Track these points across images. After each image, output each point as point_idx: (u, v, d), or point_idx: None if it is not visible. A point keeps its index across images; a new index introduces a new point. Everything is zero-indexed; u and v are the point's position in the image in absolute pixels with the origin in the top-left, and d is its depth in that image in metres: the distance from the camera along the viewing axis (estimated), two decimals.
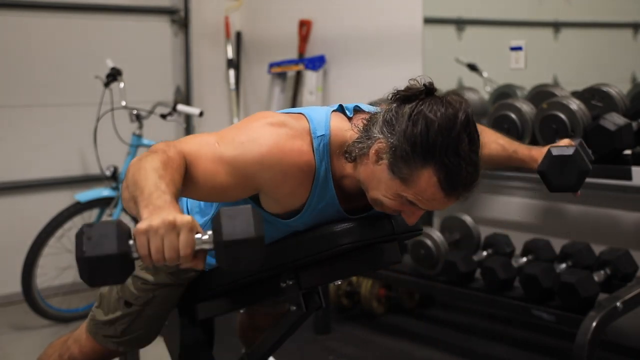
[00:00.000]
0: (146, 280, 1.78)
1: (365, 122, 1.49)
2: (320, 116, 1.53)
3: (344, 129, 1.52)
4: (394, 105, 1.43)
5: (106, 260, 1.11)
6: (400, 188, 1.42)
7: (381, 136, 1.42)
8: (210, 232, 1.17)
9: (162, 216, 1.15)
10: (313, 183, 1.50)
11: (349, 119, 1.57)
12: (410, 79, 1.45)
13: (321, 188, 1.51)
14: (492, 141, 1.87)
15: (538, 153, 1.86)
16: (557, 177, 1.76)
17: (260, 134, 1.45)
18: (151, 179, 1.26)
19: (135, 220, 1.25)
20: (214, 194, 1.47)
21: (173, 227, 1.14)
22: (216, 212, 1.22)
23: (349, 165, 1.51)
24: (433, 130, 1.34)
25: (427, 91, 1.42)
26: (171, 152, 1.37)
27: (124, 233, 1.14)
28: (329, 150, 1.50)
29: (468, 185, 1.39)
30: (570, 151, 1.76)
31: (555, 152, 1.77)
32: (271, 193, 1.50)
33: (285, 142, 1.45)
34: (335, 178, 1.52)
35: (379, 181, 1.45)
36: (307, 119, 1.52)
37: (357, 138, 1.48)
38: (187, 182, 1.40)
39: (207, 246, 1.17)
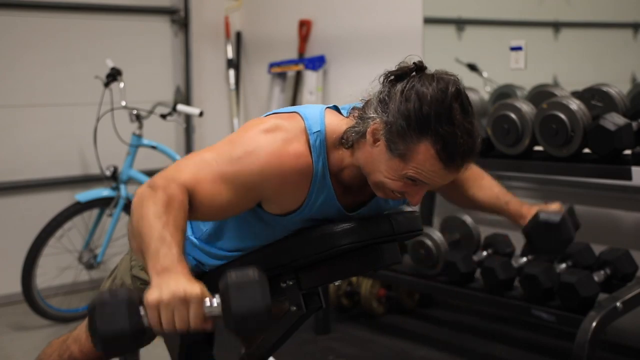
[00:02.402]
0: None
1: (360, 110, 1.52)
2: (315, 113, 1.54)
3: (339, 123, 1.54)
4: (387, 85, 1.46)
5: (120, 335, 1.17)
6: (400, 166, 1.43)
7: (376, 115, 1.45)
8: (218, 301, 1.22)
9: (171, 288, 1.21)
10: (311, 181, 1.51)
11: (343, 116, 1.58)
12: (401, 62, 1.48)
13: (319, 184, 1.52)
14: (488, 187, 1.90)
15: (528, 211, 1.89)
16: (540, 241, 1.79)
17: (255, 144, 1.46)
18: (155, 229, 1.30)
19: None
20: (221, 213, 1.51)
21: (183, 300, 1.20)
22: (224, 278, 1.24)
23: (347, 155, 1.52)
24: (426, 103, 1.38)
25: (418, 68, 1.46)
26: (171, 188, 1.39)
27: (134, 306, 1.19)
28: (326, 145, 1.52)
29: (466, 154, 1.41)
30: (557, 218, 1.79)
31: (542, 216, 1.80)
32: (272, 199, 1.52)
33: (282, 148, 1.46)
34: (332, 172, 1.53)
35: (379, 163, 1.46)
36: (301, 117, 1.53)
37: (353, 124, 1.50)
38: (193, 209, 1.44)
39: (216, 313, 1.23)
